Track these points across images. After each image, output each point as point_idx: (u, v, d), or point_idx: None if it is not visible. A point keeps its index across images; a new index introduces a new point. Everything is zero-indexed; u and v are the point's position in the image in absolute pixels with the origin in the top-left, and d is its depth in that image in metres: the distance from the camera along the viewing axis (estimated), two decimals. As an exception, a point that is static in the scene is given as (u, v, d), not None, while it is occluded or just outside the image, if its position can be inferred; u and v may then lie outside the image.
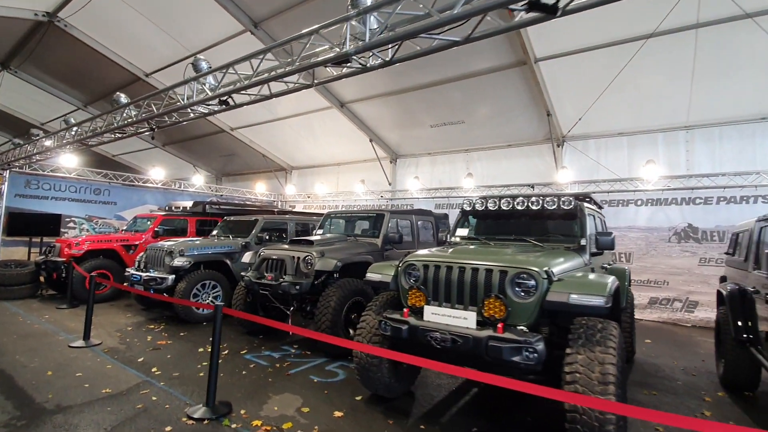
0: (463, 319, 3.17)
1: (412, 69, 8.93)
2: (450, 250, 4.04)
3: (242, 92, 4.21)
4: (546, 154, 10.12)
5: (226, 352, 5.48)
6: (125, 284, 7.60)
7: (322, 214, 11.89)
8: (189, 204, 11.87)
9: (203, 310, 7.12)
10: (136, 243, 9.41)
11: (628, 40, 7.24)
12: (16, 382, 4.29)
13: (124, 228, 10.35)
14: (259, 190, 15.95)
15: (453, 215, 9.92)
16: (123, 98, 5.61)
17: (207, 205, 10.67)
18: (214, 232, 8.95)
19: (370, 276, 4.05)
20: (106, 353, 5.36)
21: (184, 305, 6.78)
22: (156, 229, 9.60)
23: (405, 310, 3.52)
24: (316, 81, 3.92)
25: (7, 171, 9.41)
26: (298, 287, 5.35)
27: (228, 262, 7.72)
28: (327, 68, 3.53)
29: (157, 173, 12.87)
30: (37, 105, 14.11)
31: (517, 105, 9.32)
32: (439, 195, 11.71)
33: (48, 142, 7.38)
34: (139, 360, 5.10)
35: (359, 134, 12.08)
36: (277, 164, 15.98)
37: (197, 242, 7.69)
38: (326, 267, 5.41)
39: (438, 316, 3.30)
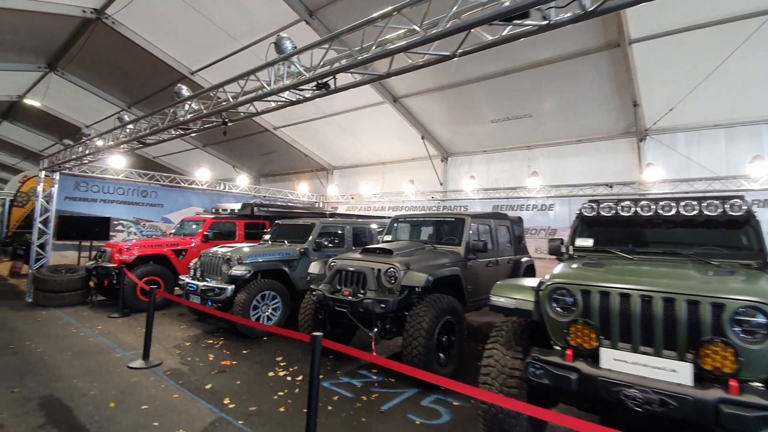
0: (670, 372, 2.30)
1: (479, 57, 8.03)
2: (602, 268, 3.17)
3: (351, 71, 3.42)
4: (624, 149, 9.04)
5: (299, 378, 4.76)
6: (180, 293, 7.07)
7: (377, 217, 11.23)
8: (234, 206, 11.36)
9: (268, 322, 6.50)
10: (186, 248, 8.90)
11: (745, 17, 6.16)
12: (77, 417, 3.69)
13: (172, 231, 9.89)
14: (300, 191, 15.36)
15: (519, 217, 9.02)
16: (185, 90, 4.99)
17: (255, 208, 10.11)
18: (267, 237, 8.32)
19: (500, 301, 3.22)
20: (169, 376, 4.74)
21: (243, 317, 6.13)
22: (205, 232, 9.07)
23: (567, 351, 2.67)
24: (460, 51, 3.07)
25: (57, 173, 9.06)
26: (383, 305, 4.58)
27: (287, 270, 7.06)
28: (478, 31, 2.71)
29: (202, 174, 12.44)
30: (82, 107, 13.95)
31: (597, 95, 8.30)
32: (498, 196, 10.77)
33: (100, 142, 6.90)
34: (206, 387, 4.45)
35: (410, 131, 11.28)
36: (319, 164, 15.38)
37: (255, 249, 7.05)
38: (415, 282, 4.62)
39: (625, 364, 2.44)
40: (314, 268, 5.75)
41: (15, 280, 11.53)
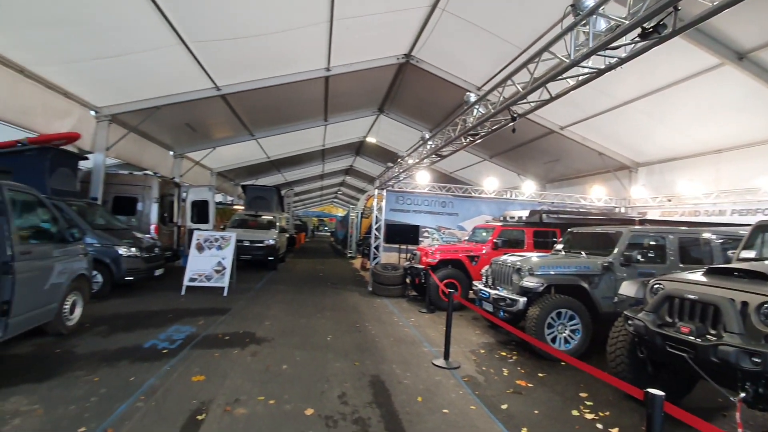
0: None
1: None
2: None
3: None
4: None
5: (615, 431, 3.68)
6: (472, 298, 7.19)
7: (715, 224, 8.16)
8: (522, 213, 10.90)
9: (565, 345, 5.65)
10: (478, 254, 9.10)
11: None
12: (393, 403, 4.06)
13: (466, 238, 10.42)
14: (595, 195, 13.26)
15: None
16: (472, 97, 4.95)
17: (544, 215, 9.29)
18: (559, 247, 7.37)
19: None
20: (466, 383, 4.69)
21: (537, 335, 5.49)
22: (495, 240, 9.01)
23: None
24: None
25: (385, 190, 11.25)
26: (758, 360, 2.90)
27: (586, 286, 5.92)
28: None
29: (490, 183, 12.72)
30: (399, 138, 17.02)
31: None
32: None
33: (411, 161, 8.03)
34: (502, 407, 4.08)
35: (770, 99, 7.57)
36: (617, 162, 12.80)
37: (547, 260, 6.31)
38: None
39: None
40: (628, 288, 4.45)
41: (363, 273, 15.22)
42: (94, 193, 10.23)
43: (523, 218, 9.80)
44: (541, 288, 5.73)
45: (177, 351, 5.24)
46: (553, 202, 13.14)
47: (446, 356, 5.38)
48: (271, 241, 14.14)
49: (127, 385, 4.07)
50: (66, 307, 5.47)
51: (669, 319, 3.72)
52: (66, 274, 5.34)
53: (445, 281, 8.69)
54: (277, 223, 15.58)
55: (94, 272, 7.57)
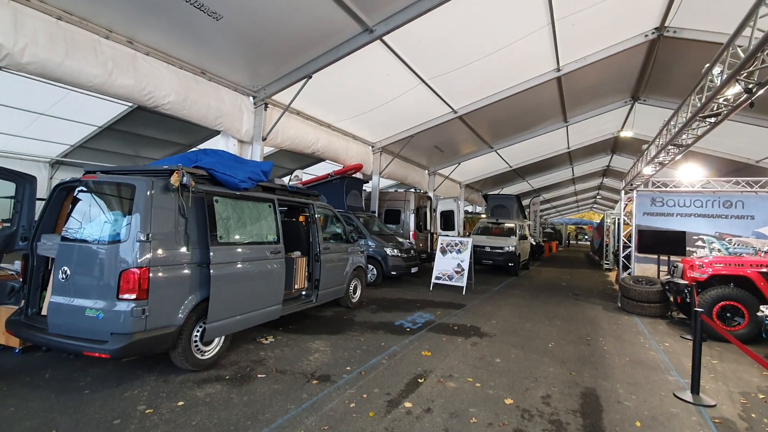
0: None
1: None
2: None
3: None
4: None
5: None
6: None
7: None
8: None
9: None
10: (783, 271, 6.56)
11: None
12: (602, 419, 3.80)
13: (765, 249, 7.60)
14: None
15: None
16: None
17: None
18: None
19: None
20: (715, 424, 3.77)
21: None
22: (816, 252, 6.26)
23: None
24: None
25: (634, 191, 9.65)
26: None
27: None
28: None
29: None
30: (657, 122, 13.84)
31: None
32: None
33: (653, 152, 6.70)
34: (763, 464, 3.13)
35: None
36: None
37: None
38: None
39: None
40: None
41: (617, 286, 13.24)
42: (372, 208, 13.56)
43: None
44: None
45: (416, 331, 6.53)
46: None
47: (694, 390, 4.39)
48: (511, 248, 14.46)
49: (379, 347, 5.54)
50: (351, 288, 7.75)
51: None
52: (350, 265, 7.60)
53: (722, 303, 6.71)
54: (518, 231, 15.72)
55: (371, 266, 10.19)
